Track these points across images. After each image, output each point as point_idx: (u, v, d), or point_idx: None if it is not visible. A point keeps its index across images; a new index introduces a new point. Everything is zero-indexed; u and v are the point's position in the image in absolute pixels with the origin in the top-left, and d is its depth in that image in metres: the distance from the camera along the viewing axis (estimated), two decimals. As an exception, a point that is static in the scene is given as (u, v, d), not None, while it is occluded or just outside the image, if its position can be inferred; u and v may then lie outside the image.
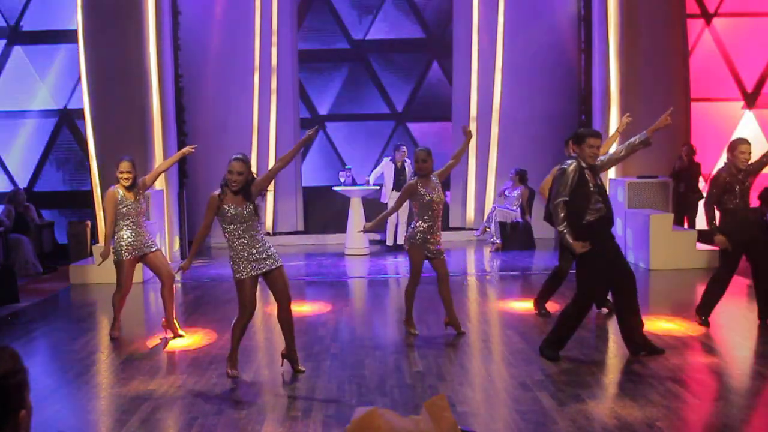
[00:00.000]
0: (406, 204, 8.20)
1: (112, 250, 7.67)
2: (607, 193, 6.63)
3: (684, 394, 5.68)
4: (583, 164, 6.40)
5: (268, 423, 5.29)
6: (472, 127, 14.58)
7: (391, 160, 13.54)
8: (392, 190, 13.31)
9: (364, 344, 7.37)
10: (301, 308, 8.90)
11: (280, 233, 14.77)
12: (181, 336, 7.71)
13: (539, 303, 8.32)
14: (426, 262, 7.49)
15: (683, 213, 12.68)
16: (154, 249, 7.75)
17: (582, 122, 14.45)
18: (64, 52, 14.04)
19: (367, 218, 13.36)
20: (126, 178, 7.59)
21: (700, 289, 7.84)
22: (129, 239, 7.58)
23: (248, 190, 6.19)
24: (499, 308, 8.87)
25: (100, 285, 10.54)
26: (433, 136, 15.33)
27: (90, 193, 12.54)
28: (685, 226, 12.62)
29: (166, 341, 7.63)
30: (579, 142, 6.45)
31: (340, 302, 9.42)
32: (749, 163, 7.40)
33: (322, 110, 15.40)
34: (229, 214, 6.12)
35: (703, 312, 7.62)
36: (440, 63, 15.37)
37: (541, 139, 14.06)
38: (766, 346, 7.11)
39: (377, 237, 14.08)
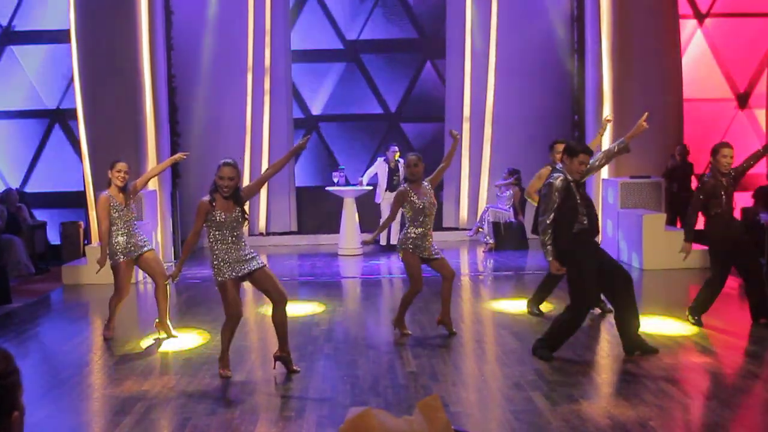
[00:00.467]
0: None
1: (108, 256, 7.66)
2: (594, 204, 6.67)
3: (677, 393, 5.70)
4: (570, 178, 6.43)
5: (262, 423, 5.28)
6: (465, 127, 14.62)
7: (384, 160, 13.55)
8: (386, 191, 13.32)
9: (357, 344, 7.38)
10: (294, 309, 8.89)
11: (274, 233, 14.76)
12: (174, 337, 7.70)
13: (532, 303, 8.35)
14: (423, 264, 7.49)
15: (676, 213, 12.70)
16: (148, 248, 7.74)
17: (575, 122, 14.49)
18: (56, 52, 14.00)
19: (361, 218, 13.39)
20: (123, 178, 7.58)
21: (693, 289, 7.88)
22: (123, 242, 7.57)
23: (238, 195, 6.18)
24: (493, 308, 8.88)
25: (93, 286, 10.53)
26: (427, 137, 15.36)
27: (83, 194, 12.51)
28: (678, 226, 12.65)
29: (159, 342, 7.62)
30: (572, 155, 6.45)
31: (334, 302, 9.42)
32: (733, 167, 7.45)
33: (316, 110, 15.39)
34: (218, 220, 6.11)
35: (696, 312, 7.66)
36: (433, 63, 15.38)
37: (534, 139, 14.08)
38: (758, 345, 7.14)
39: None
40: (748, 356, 6.82)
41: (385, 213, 12.86)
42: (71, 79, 12.68)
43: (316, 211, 15.03)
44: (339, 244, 13.46)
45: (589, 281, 6.49)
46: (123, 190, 7.65)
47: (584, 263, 6.43)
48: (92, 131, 11.89)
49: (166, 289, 7.72)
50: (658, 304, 8.92)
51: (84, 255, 11.66)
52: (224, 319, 6.33)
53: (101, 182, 11.48)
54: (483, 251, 13.32)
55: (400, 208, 7.44)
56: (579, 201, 6.41)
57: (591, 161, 6.59)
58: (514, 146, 14.39)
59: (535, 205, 8.13)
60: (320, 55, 15.28)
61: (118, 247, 7.57)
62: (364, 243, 7.87)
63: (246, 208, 6.33)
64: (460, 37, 14.69)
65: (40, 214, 13.81)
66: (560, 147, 7.75)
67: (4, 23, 14.27)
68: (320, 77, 15.37)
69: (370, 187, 13.62)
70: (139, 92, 11.92)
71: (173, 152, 13.04)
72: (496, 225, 13.38)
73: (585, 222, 6.43)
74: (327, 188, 13.69)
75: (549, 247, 6.43)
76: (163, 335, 7.73)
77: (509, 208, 13.42)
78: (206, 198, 6.13)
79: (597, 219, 6.59)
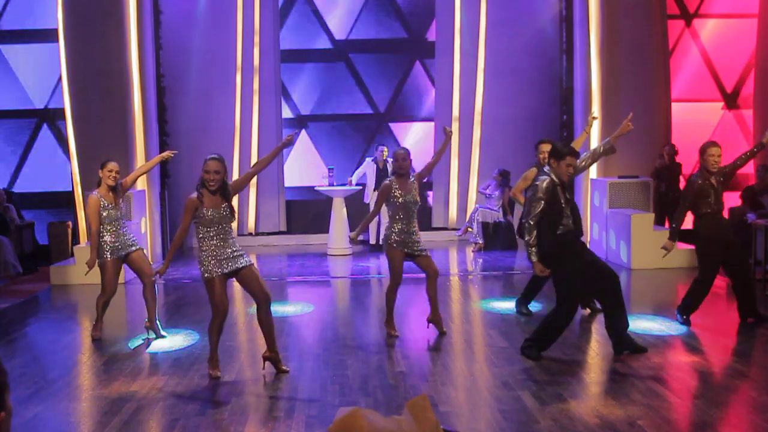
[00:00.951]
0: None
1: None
2: (577, 206, 6.68)
3: (665, 392, 5.72)
4: (557, 180, 6.44)
5: (251, 423, 5.28)
6: (455, 127, 14.63)
7: (373, 160, 13.56)
8: (374, 191, 13.32)
9: (346, 344, 7.37)
10: (283, 308, 8.89)
11: (263, 233, 14.74)
12: (163, 337, 7.69)
13: (521, 303, 8.37)
14: (409, 262, 7.50)
15: (664, 213, 12.74)
16: (135, 248, 7.72)
17: (564, 122, 14.52)
18: (44, 51, 13.93)
19: (350, 218, 13.38)
20: (114, 178, 7.57)
21: (682, 288, 7.91)
22: (111, 241, 7.56)
23: (226, 190, 6.19)
24: (482, 308, 8.89)
25: (81, 286, 10.50)
26: (416, 137, 15.36)
27: (71, 194, 12.46)
28: (666, 225, 12.69)
29: (148, 342, 7.60)
30: (558, 158, 6.45)
31: (323, 302, 9.41)
32: (723, 166, 7.50)
33: (305, 110, 15.37)
34: (206, 217, 6.10)
35: (685, 312, 7.69)
36: (422, 63, 15.40)
37: (523, 139, 14.10)
38: (745, 344, 7.19)
39: (360, 237, 14.05)
40: (736, 355, 6.86)
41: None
42: (59, 79, 12.62)
43: (305, 211, 15.02)
44: (328, 244, 13.46)
45: (575, 281, 6.51)
46: (113, 189, 7.64)
47: (569, 264, 6.45)
48: (80, 131, 11.85)
49: (154, 289, 7.71)
50: (647, 303, 8.96)
51: (72, 255, 11.61)
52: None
53: (89, 182, 11.46)
54: (472, 251, 13.34)
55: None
56: (564, 203, 6.43)
57: (577, 162, 6.61)
58: (503, 146, 14.42)
59: (522, 205, 8.13)
60: (309, 55, 15.27)
61: (105, 246, 7.56)
62: (351, 240, 7.85)
63: (234, 204, 6.32)
64: (449, 37, 14.71)
65: (28, 215, 13.74)
66: (545, 147, 7.77)
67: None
68: (309, 77, 15.35)
69: (359, 187, 13.62)
70: (127, 92, 11.88)
71: (162, 152, 13.00)
72: (485, 225, 13.40)
73: (570, 223, 6.45)
74: (316, 188, 13.69)
75: (533, 248, 6.44)
76: (152, 335, 7.71)
77: (498, 208, 13.45)
78: (194, 194, 6.12)
79: (581, 220, 6.62)
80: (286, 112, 15.11)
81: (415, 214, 7.45)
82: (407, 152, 7.49)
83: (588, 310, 8.24)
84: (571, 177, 6.64)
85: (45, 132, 14.48)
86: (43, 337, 8.22)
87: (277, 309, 8.82)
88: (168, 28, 13.88)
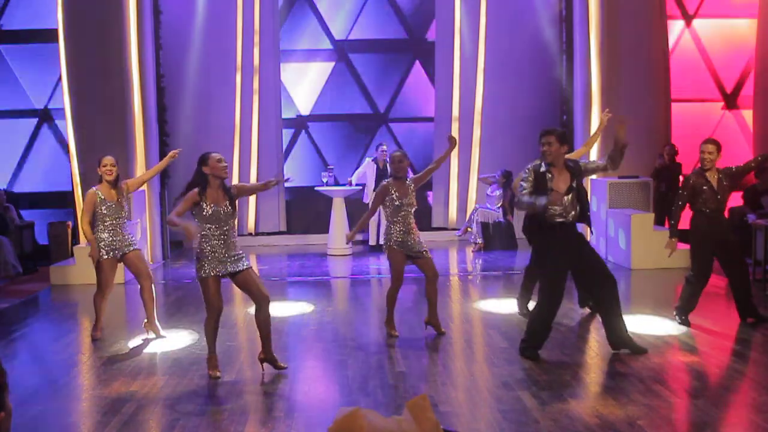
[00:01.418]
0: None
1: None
2: (585, 200, 6.67)
3: (665, 392, 5.72)
4: (544, 166, 6.48)
5: (251, 424, 5.28)
6: (454, 127, 14.65)
7: (373, 160, 13.56)
8: (374, 191, 13.30)
9: (346, 344, 7.37)
10: (283, 309, 8.90)
11: (263, 234, 14.75)
12: (162, 337, 7.69)
13: (520, 303, 8.35)
14: (410, 264, 7.50)
15: (664, 213, 12.73)
16: (133, 248, 7.71)
17: (563, 122, 14.52)
18: (44, 51, 13.93)
19: (350, 218, 13.38)
20: (110, 171, 7.56)
21: (681, 289, 7.88)
22: (108, 240, 7.56)
23: (228, 190, 6.21)
24: (482, 308, 8.89)
25: (81, 286, 10.50)
26: (416, 137, 15.37)
27: (71, 194, 12.46)
28: (666, 225, 12.69)
29: (147, 342, 7.60)
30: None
31: (323, 303, 9.42)
32: (729, 166, 7.51)
33: (305, 110, 15.38)
34: (206, 214, 6.10)
35: (683, 312, 7.69)
36: (422, 63, 15.40)
37: (522, 139, 14.11)
38: (744, 344, 7.19)
39: (359, 237, 14.08)
40: (735, 355, 6.85)
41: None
42: (59, 79, 12.62)
43: (305, 211, 15.02)
44: (328, 244, 13.46)
45: (558, 277, 6.52)
46: (114, 186, 7.63)
47: (558, 258, 6.47)
48: (80, 131, 11.84)
49: (151, 290, 7.71)
50: (646, 303, 8.95)
51: (72, 255, 11.61)
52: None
53: (89, 182, 11.44)
54: (472, 251, 13.35)
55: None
56: (552, 189, 6.40)
57: (594, 161, 6.65)
58: (503, 146, 14.42)
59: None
60: (309, 55, 15.27)
61: (102, 244, 7.55)
62: (347, 239, 7.82)
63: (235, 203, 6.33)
64: (449, 37, 14.71)
65: (28, 214, 13.75)
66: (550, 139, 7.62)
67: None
68: (309, 77, 15.36)
69: (359, 187, 13.62)
70: (127, 92, 11.87)
71: (162, 152, 13.02)
72: (484, 225, 13.40)
73: (563, 215, 6.42)
74: (316, 188, 13.69)
75: (533, 198, 6.39)
76: (152, 335, 7.72)
77: (498, 208, 13.44)
78: (195, 189, 6.14)
79: (580, 214, 6.56)
80: (286, 113, 15.11)
81: (412, 216, 7.43)
82: (404, 155, 7.47)
83: (588, 309, 8.24)
84: (588, 173, 6.62)
85: (45, 132, 14.50)
86: (42, 337, 8.23)
87: (277, 309, 8.83)
88: (168, 28, 13.89)
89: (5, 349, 7.53)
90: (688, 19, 14.67)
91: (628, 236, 11.21)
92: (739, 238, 8.44)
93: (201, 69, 14.28)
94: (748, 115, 14.53)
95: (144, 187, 12.09)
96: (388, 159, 13.16)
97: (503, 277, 10.93)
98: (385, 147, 13.52)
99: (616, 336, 6.69)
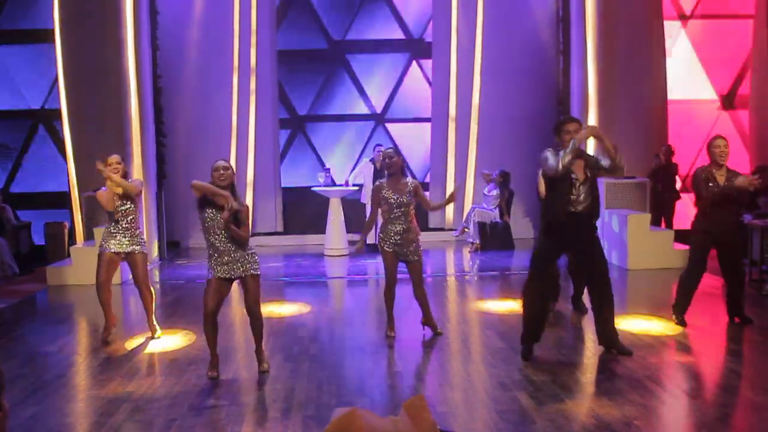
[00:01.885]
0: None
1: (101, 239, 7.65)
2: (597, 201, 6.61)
3: (661, 392, 5.73)
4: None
5: (247, 424, 5.28)
6: (451, 127, 14.67)
7: (370, 160, 13.55)
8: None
9: (343, 345, 7.38)
10: (280, 309, 8.90)
11: (259, 234, 14.74)
12: (159, 337, 7.68)
13: (575, 302, 8.34)
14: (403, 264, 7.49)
15: (660, 213, 12.77)
16: (138, 250, 7.64)
17: (560, 123, 14.51)
18: (40, 51, 13.92)
19: (347, 219, 13.38)
20: (115, 170, 7.52)
21: (677, 288, 7.90)
22: (111, 233, 7.55)
23: (235, 192, 6.22)
24: (478, 308, 8.89)
25: (78, 287, 10.49)
26: (413, 137, 15.38)
27: (67, 195, 12.45)
28: (662, 226, 12.72)
29: (144, 342, 7.59)
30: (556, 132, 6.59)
31: (320, 303, 9.42)
32: (737, 171, 7.46)
33: (302, 111, 15.38)
34: (207, 224, 6.17)
35: (679, 311, 7.70)
36: (419, 63, 15.41)
37: (519, 140, 14.13)
38: (739, 344, 7.20)
39: (357, 237, 14.06)
40: (732, 355, 6.88)
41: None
42: (55, 79, 12.61)
43: (302, 212, 15.02)
44: (325, 245, 13.45)
45: (539, 272, 6.54)
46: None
47: (546, 252, 6.52)
48: (77, 132, 11.83)
49: (149, 292, 7.69)
50: (643, 303, 8.97)
51: (69, 256, 11.59)
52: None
53: (85, 183, 11.47)
54: (469, 251, 13.35)
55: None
56: (569, 180, 6.38)
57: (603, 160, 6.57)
58: (500, 146, 14.43)
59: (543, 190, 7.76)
60: (306, 56, 15.28)
61: (105, 237, 7.58)
62: (357, 249, 7.65)
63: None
64: (446, 37, 14.73)
65: (24, 215, 13.74)
66: (570, 126, 7.28)
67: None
68: (306, 77, 15.36)
69: (356, 188, 13.62)
70: (124, 92, 11.87)
71: (159, 153, 13.02)
72: (481, 225, 13.41)
73: (575, 205, 6.38)
74: (313, 188, 13.69)
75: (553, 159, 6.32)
76: (150, 335, 7.71)
77: (495, 208, 13.45)
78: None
79: (591, 207, 6.50)
80: (283, 113, 15.11)
81: (410, 215, 7.36)
82: (395, 150, 7.46)
83: (586, 310, 8.24)
84: (593, 165, 6.53)
85: (41, 132, 14.48)
86: (39, 337, 8.21)
87: (274, 309, 8.84)
88: (165, 28, 13.87)
89: (2, 349, 7.52)
90: (684, 19, 14.69)
91: (624, 236, 11.22)
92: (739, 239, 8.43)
93: (198, 70, 14.28)
94: (744, 115, 14.56)
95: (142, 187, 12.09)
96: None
97: (500, 278, 10.93)
98: (382, 147, 13.52)
99: (605, 335, 6.71)
